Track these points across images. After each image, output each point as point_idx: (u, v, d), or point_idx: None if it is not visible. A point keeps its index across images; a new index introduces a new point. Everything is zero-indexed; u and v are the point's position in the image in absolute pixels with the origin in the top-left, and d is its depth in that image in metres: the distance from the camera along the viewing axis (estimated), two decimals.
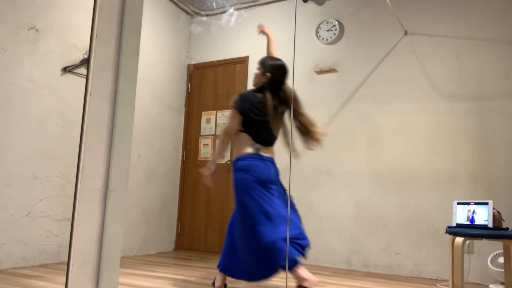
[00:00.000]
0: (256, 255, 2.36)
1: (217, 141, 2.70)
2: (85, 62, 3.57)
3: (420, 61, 3.73)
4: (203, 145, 4.72)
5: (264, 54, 4.48)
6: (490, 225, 2.42)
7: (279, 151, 4.13)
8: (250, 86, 4.44)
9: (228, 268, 2.55)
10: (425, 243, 3.48)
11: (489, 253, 3.13)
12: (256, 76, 2.63)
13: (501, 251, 3.00)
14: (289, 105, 2.61)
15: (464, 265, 3.18)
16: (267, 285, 2.82)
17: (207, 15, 4.97)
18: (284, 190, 2.66)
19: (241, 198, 2.44)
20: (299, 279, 2.30)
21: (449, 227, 2.58)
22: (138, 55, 1.40)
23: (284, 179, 4.08)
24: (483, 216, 2.47)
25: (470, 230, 2.41)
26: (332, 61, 4.13)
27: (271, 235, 2.32)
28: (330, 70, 4.09)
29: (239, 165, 2.50)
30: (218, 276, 2.65)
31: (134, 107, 1.39)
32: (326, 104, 4.08)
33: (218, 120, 4.69)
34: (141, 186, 4.25)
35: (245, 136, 2.56)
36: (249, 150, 2.53)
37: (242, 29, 4.70)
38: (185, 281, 2.85)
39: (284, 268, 2.31)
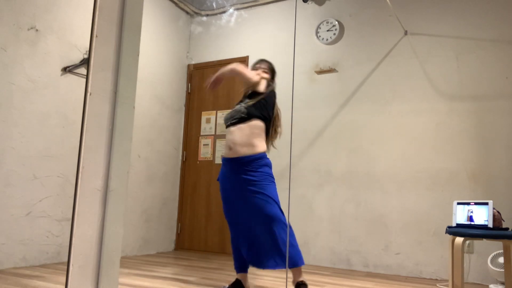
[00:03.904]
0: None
1: (237, 69, 2.50)
2: (85, 62, 3.57)
3: (420, 61, 3.73)
4: (203, 145, 4.72)
5: (263, 53, 4.50)
6: (490, 225, 2.42)
7: (279, 151, 4.13)
8: None
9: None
10: (425, 243, 3.48)
11: (489, 253, 3.13)
12: (263, 79, 2.62)
13: (501, 251, 3.00)
14: None
15: (464, 265, 3.18)
16: (265, 285, 2.82)
17: (207, 15, 4.97)
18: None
19: (275, 190, 2.49)
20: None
21: (449, 227, 2.58)
22: (138, 55, 1.40)
23: (284, 179, 4.09)
24: (483, 216, 2.47)
25: (470, 230, 2.41)
26: (332, 61, 4.13)
27: None
28: (330, 70, 4.09)
29: (269, 163, 2.53)
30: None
31: (134, 107, 1.39)
32: (326, 104, 4.08)
33: (218, 120, 4.69)
34: (141, 186, 4.25)
35: (262, 127, 2.51)
36: (265, 147, 2.54)
37: (242, 29, 4.71)
38: (185, 281, 2.85)
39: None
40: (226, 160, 2.50)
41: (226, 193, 2.51)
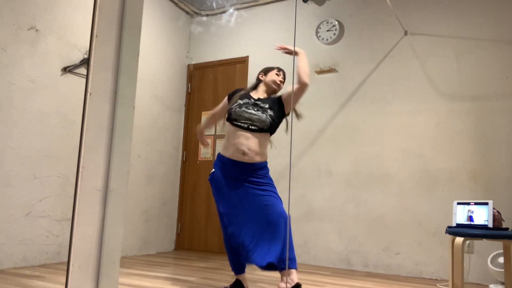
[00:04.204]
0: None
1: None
2: (85, 62, 3.57)
3: (420, 61, 3.73)
4: None
5: (263, 53, 4.50)
6: (490, 225, 2.42)
7: (279, 151, 4.13)
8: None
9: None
10: (425, 243, 3.48)
11: (489, 253, 3.13)
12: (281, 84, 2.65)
13: (501, 251, 3.01)
14: None
15: (464, 265, 3.18)
16: (265, 286, 2.82)
17: (207, 15, 4.97)
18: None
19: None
20: None
21: (449, 227, 2.58)
22: (138, 55, 1.40)
23: (284, 179, 4.09)
24: (483, 216, 2.47)
25: (470, 230, 2.41)
26: (332, 61, 4.13)
27: None
28: (330, 70, 4.09)
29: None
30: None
31: (134, 107, 1.39)
32: (326, 104, 4.08)
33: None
34: (141, 186, 4.25)
35: (268, 138, 2.53)
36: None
37: (242, 29, 4.71)
38: (185, 281, 2.85)
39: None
40: (235, 162, 2.42)
41: (227, 194, 2.42)
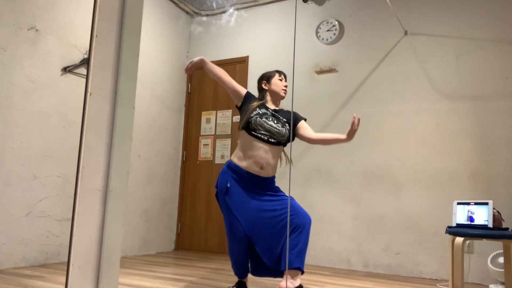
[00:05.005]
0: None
1: None
2: (85, 62, 3.57)
3: (420, 61, 3.73)
4: (203, 145, 4.72)
5: (263, 53, 4.50)
6: (490, 225, 2.42)
7: None
8: (250, 86, 4.44)
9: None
10: (425, 243, 3.48)
11: (489, 253, 3.13)
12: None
13: (501, 251, 3.01)
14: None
15: (464, 265, 3.19)
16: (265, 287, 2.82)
17: (207, 15, 4.97)
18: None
19: None
20: None
21: (449, 227, 2.58)
22: (138, 55, 1.40)
23: (284, 179, 4.09)
24: (483, 216, 2.47)
25: (470, 230, 2.41)
26: (332, 61, 4.13)
27: None
28: (330, 70, 4.09)
29: None
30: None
31: (134, 107, 1.39)
32: (326, 104, 4.08)
33: (218, 120, 4.68)
34: (141, 186, 4.25)
35: (281, 151, 2.52)
36: None
37: (242, 29, 4.71)
38: (185, 281, 2.85)
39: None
40: (251, 175, 2.38)
41: (245, 205, 2.37)
